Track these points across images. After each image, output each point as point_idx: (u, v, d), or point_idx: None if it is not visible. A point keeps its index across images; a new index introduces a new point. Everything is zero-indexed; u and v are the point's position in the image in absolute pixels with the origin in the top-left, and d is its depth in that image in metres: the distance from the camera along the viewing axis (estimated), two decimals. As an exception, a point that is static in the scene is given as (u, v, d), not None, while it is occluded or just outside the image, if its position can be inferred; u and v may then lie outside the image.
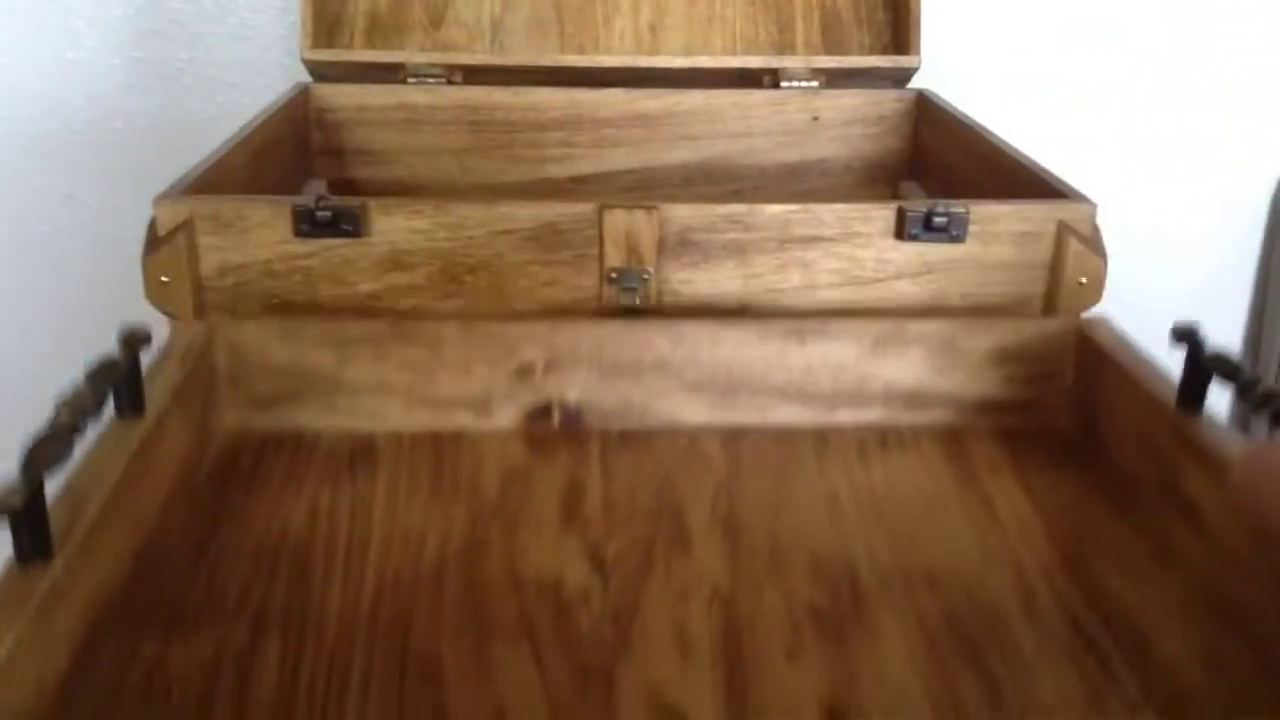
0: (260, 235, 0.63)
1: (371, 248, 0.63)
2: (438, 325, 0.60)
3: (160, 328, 0.64)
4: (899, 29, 0.98)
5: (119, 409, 0.50)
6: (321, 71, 0.95)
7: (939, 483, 0.58)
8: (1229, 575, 0.49)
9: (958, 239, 0.64)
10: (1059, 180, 0.69)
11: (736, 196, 0.98)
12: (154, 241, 0.62)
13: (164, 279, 0.62)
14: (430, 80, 0.94)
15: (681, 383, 0.62)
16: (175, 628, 0.48)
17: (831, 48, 0.99)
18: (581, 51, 0.97)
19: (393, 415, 0.61)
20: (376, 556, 0.52)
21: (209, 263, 0.63)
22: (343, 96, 0.94)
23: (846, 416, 0.63)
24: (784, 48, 0.98)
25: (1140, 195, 1.14)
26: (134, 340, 0.51)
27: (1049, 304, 0.65)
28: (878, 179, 0.98)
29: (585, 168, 0.96)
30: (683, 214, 0.64)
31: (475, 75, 0.95)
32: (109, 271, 1.11)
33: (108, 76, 1.09)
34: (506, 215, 0.63)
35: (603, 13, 0.99)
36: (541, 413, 0.62)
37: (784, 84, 0.96)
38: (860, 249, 0.65)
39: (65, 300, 1.14)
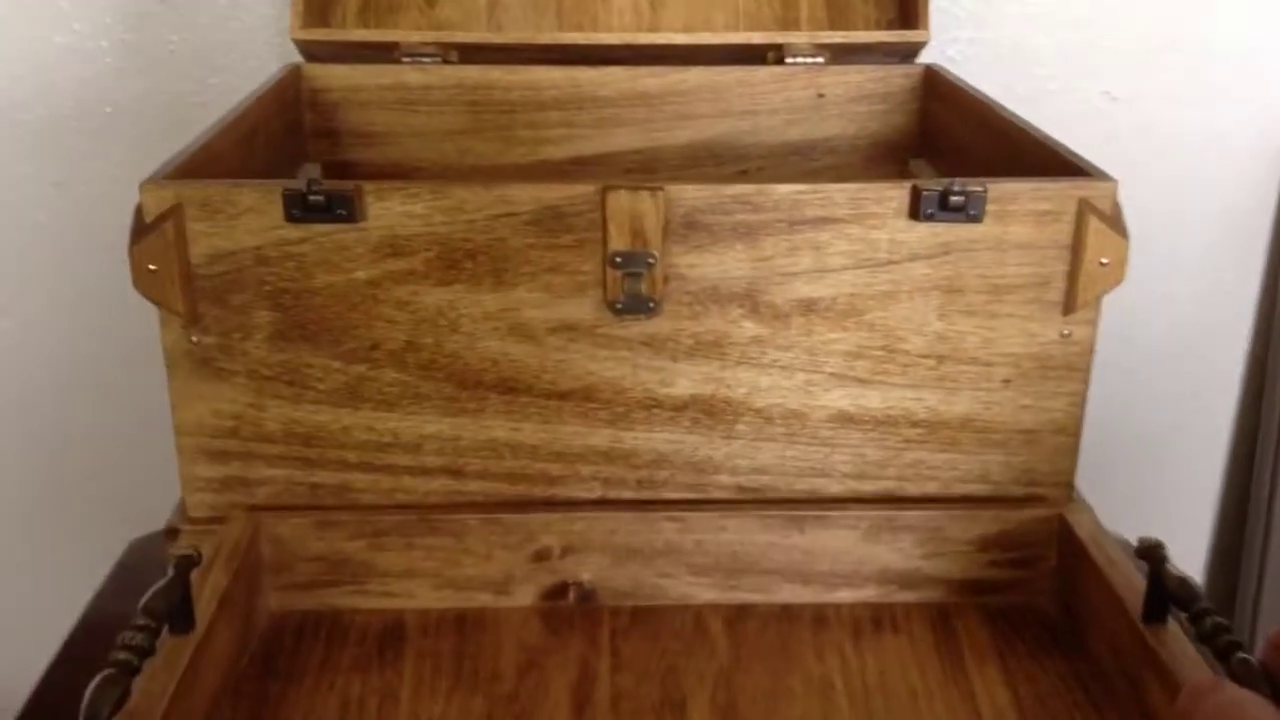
0: (251, 221, 0.60)
1: (367, 233, 0.61)
2: (462, 518, 0.65)
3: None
4: (906, 2, 0.96)
5: (171, 628, 0.54)
6: (313, 51, 0.92)
7: (926, 674, 0.62)
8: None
9: (975, 219, 0.62)
10: (1078, 157, 0.66)
11: (742, 176, 0.96)
12: (141, 228, 0.60)
13: (151, 267, 0.60)
14: (425, 60, 0.91)
15: (688, 565, 0.66)
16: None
17: (836, 23, 0.96)
18: (580, 29, 0.94)
19: (420, 595, 0.66)
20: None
21: (198, 250, 0.61)
22: (335, 77, 0.91)
23: (844, 595, 0.67)
24: (787, 23, 0.96)
25: (1151, 176, 1.11)
26: (186, 566, 0.55)
27: (1070, 286, 0.63)
28: (886, 157, 0.95)
29: (586, 148, 0.94)
30: (689, 195, 0.61)
31: (471, 54, 0.93)
32: (103, 259, 1.08)
33: (95, 60, 1.06)
34: (506, 198, 0.61)
35: (602, -12, 0.96)
36: (558, 591, 0.66)
37: (788, 60, 0.93)
38: (873, 230, 0.62)
39: (61, 288, 1.12)
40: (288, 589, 0.65)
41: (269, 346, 0.63)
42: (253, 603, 0.64)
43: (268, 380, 0.63)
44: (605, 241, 0.61)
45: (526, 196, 0.61)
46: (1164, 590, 0.55)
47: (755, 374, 0.65)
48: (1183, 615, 0.54)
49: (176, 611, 0.54)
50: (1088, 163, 0.65)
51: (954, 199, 0.61)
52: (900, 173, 0.95)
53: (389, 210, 0.61)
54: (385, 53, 0.92)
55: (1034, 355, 0.65)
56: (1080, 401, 0.66)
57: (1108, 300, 0.64)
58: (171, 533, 0.65)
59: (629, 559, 0.66)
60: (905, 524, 0.66)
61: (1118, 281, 0.63)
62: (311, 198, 0.59)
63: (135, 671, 0.49)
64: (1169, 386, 1.20)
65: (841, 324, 0.64)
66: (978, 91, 0.85)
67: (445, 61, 0.92)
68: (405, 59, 0.92)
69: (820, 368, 0.65)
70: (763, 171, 0.95)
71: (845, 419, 0.66)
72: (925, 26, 0.94)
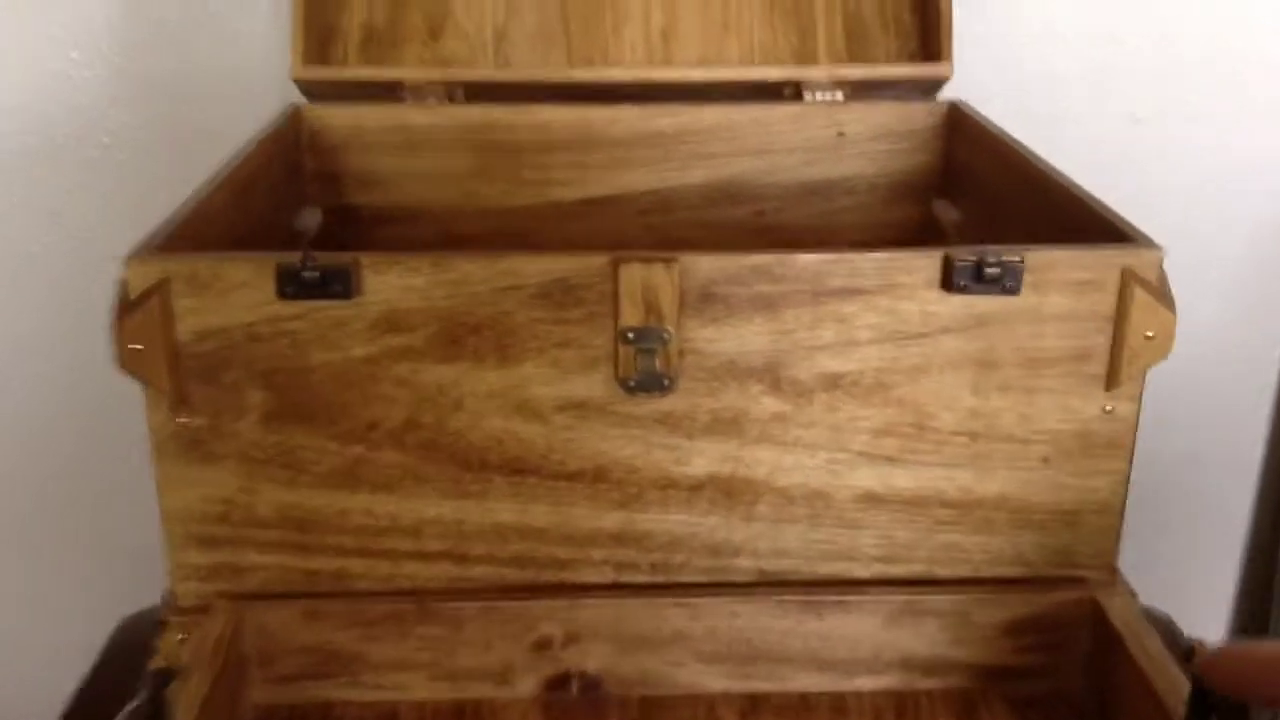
0: (242, 296, 0.57)
1: (364, 308, 0.57)
2: (458, 606, 0.61)
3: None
4: (928, 34, 0.92)
5: None
6: (314, 90, 0.89)
7: None
8: None
9: (1011, 291, 0.58)
10: (1118, 217, 0.62)
11: (759, 217, 0.92)
12: (125, 306, 0.56)
13: (136, 345, 0.57)
14: (429, 99, 0.88)
15: (699, 654, 0.63)
16: None
17: (856, 55, 0.92)
18: (590, 64, 0.90)
19: (415, 688, 0.63)
20: None
21: (186, 327, 0.57)
22: (337, 118, 0.87)
23: (864, 683, 0.64)
24: (805, 55, 0.92)
25: (1178, 204, 1.07)
26: (160, 683, 0.55)
27: (1113, 360, 0.59)
28: (907, 197, 0.91)
29: (597, 190, 0.90)
30: (706, 266, 0.58)
31: (478, 92, 0.89)
32: (98, 292, 1.05)
33: (91, 88, 1.03)
34: (511, 270, 0.57)
35: (611, 20, 0.92)
36: (560, 682, 0.63)
37: (806, 96, 0.89)
38: (902, 301, 0.58)
39: (56, 318, 1.09)
40: (275, 682, 0.62)
41: (261, 427, 0.59)
42: (237, 699, 0.61)
43: (260, 463, 0.60)
44: (617, 316, 0.58)
45: (533, 269, 0.57)
46: (1208, 702, 0.51)
47: (777, 453, 0.61)
48: None
49: (153, 729, 0.51)
50: (1130, 225, 0.61)
51: (989, 270, 0.57)
52: (922, 214, 0.91)
53: (387, 284, 0.57)
54: (388, 91, 0.89)
55: (1074, 432, 0.61)
56: (1124, 479, 0.62)
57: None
58: (160, 624, 0.61)
59: (636, 647, 0.63)
60: (928, 608, 0.63)
61: (1164, 355, 0.59)
62: (306, 274, 0.56)
63: None
64: (1197, 411, 1.16)
65: (868, 400, 0.60)
66: (1004, 132, 0.81)
67: (450, 99, 0.88)
68: (409, 97, 0.88)
69: (846, 446, 0.61)
70: (780, 212, 0.91)
71: (873, 499, 0.62)
72: (948, 59, 0.90)
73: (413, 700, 0.62)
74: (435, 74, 0.89)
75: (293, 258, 0.56)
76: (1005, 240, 0.76)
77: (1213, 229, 1.08)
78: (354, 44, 0.91)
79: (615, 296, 0.57)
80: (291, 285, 0.56)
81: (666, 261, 0.57)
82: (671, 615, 0.62)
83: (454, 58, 0.90)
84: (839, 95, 0.89)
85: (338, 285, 0.56)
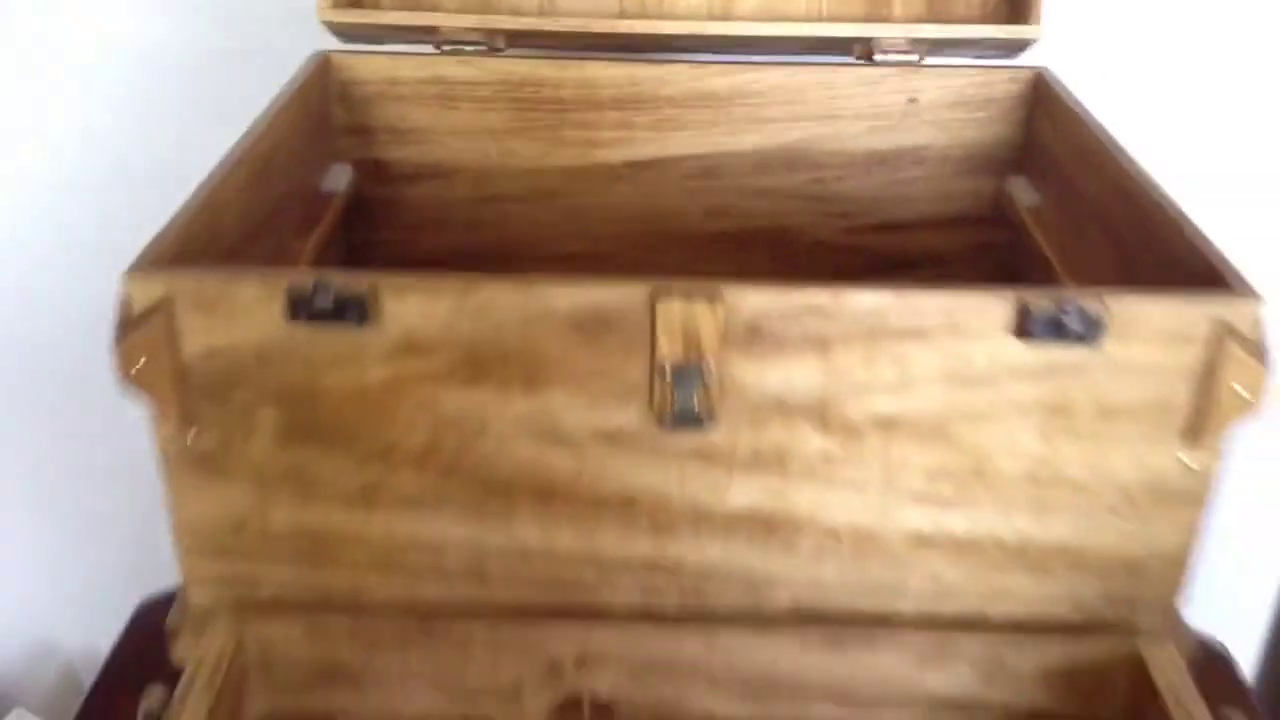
0: (250, 315, 0.53)
1: (382, 333, 0.53)
2: (466, 624, 0.59)
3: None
4: (1016, -13, 0.84)
5: None
6: (344, 33, 0.83)
7: None
8: None
9: (1091, 343, 0.52)
10: (1218, 254, 0.56)
11: (817, 185, 0.86)
12: (127, 322, 0.53)
13: (141, 361, 0.53)
14: (468, 49, 0.82)
15: (715, 683, 0.61)
16: None
17: (935, 11, 0.84)
18: (644, 15, 0.83)
19: (420, 701, 0.61)
20: None
21: (192, 346, 0.54)
22: (369, 68, 0.82)
23: (888, 718, 0.61)
24: (878, 11, 0.84)
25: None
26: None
27: (1198, 416, 0.54)
28: (981, 171, 0.84)
29: (643, 152, 0.84)
30: (752, 302, 0.53)
31: (520, 41, 0.83)
32: (133, 220, 1.02)
33: (121, 8, 0.98)
34: (542, 298, 0.53)
35: (669, -34, 0.85)
36: (571, 705, 0.61)
37: (877, 57, 0.82)
38: (968, 344, 0.53)
39: (90, 261, 1.06)
40: (277, 691, 0.61)
41: (275, 446, 0.56)
42: (239, 710, 0.59)
43: (274, 480, 0.57)
44: (654, 350, 0.53)
45: (565, 299, 0.53)
46: None
47: (821, 490, 0.57)
48: None
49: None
50: (1229, 267, 0.55)
51: (1068, 323, 0.51)
52: (995, 190, 0.84)
53: (407, 310, 0.53)
54: (424, 36, 0.83)
55: (1147, 483, 0.56)
56: (1194, 531, 0.58)
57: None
58: (172, 634, 0.59)
59: (650, 674, 0.60)
60: (960, 650, 0.60)
61: (1253, 413, 0.54)
62: (318, 302, 0.51)
63: None
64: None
65: (926, 443, 0.56)
66: (1090, 114, 0.74)
67: (491, 50, 0.82)
68: (446, 47, 0.82)
69: (896, 486, 0.57)
70: (841, 182, 0.85)
71: (922, 540, 0.58)
72: (1037, 20, 0.81)
73: (418, 714, 0.61)
74: (474, 20, 0.82)
75: (304, 281, 0.52)
76: (1082, 238, 0.71)
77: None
78: (389, -18, 0.85)
79: (653, 332, 0.53)
80: (303, 311, 0.52)
81: (709, 299, 0.52)
82: (689, 644, 0.60)
83: (495, 4, 0.83)
84: (913, 57, 0.82)
85: (352, 313, 0.52)
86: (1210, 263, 0.55)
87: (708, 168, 0.85)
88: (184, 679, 0.56)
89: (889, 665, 0.60)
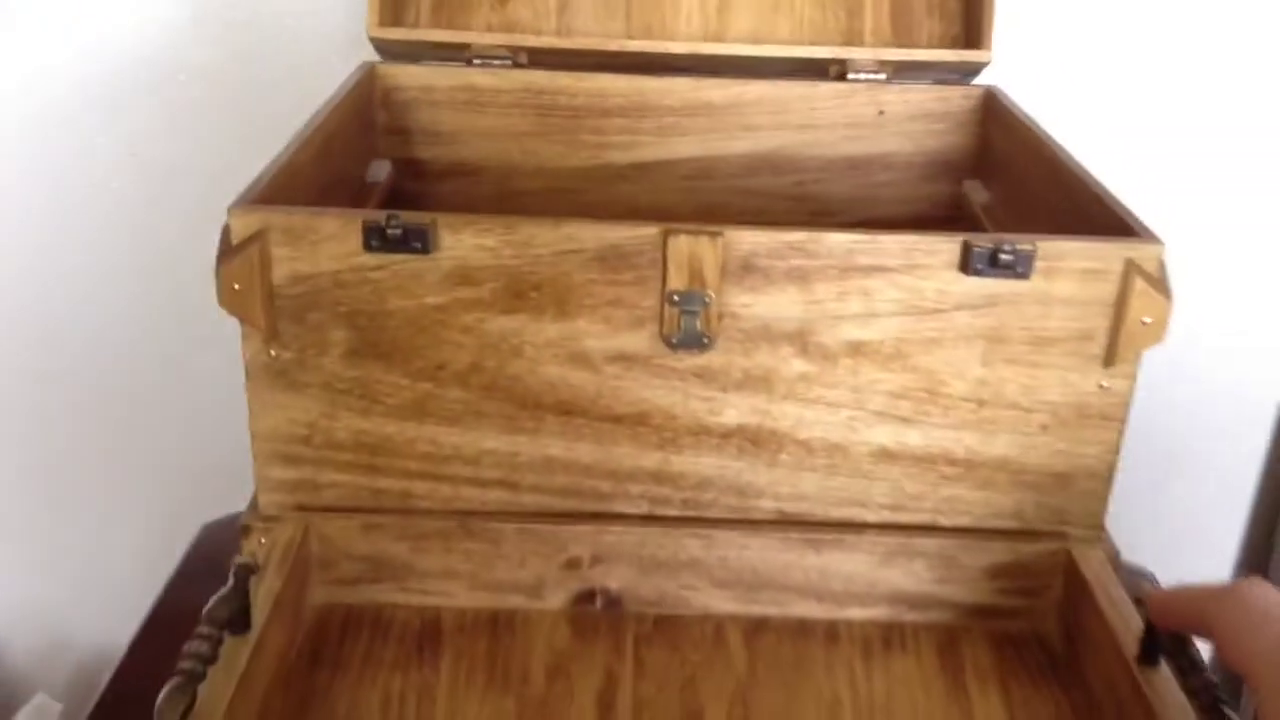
0: (330, 247, 0.64)
1: (439, 262, 0.64)
2: (499, 525, 0.69)
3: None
4: (971, 19, 0.97)
5: (230, 629, 0.59)
6: (387, 49, 0.95)
7: (930, 697, 0.66)
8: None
9: (1023, 276, 0.64)
10: (1128, 212, 0.68)
11: (799, 187, 0.98)
12: (227, 250, 0.63)
13: (236, 286, 0.64)
14: (495, 63, 0.94)
15: (711, 579, 0.70)
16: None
17: (901, 37, 0.97)
18: (649, 35, 0.96)
19: (457, 595, 0.70)
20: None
21: (280, 272, 0.64)
22: (408, 76, 0.94)
23: (855, 613, 0.71)
24: (852, 36, 0.97)
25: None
26: (245, 573, 0.60)
27: (1112, 342, 0.65)
28: (941, 175, 0.97)
29: (648, 155, 0.96)
30: (747, 240, 0.64)
31: (540, 57, 0.95)
32: (173, 228, 1.13)
33: (171, 29, 1.09)
34: (572, 235, 0.64)
35: (671, -8, 0.98)
36: (586, 597, 0.70)
37: (850, 75, 0.95)
38: (922, 280, 0.65)
39: (135, 251, 1.16)
40: (334, 584, 0.70)
41: (342, 362, 0.67)
42: (302, 598, 0.68)
43: (340, 393, 0.67)
44: (664, 280, 0.64)
45: (592, 235, 0.64)
46: (1156, 639, 0.59)
47: (801, 408, 0.68)
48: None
49: (236, 618, 0.59)
50: (1138, 220, 0.67)
51: (1004, 257, 0.63)
52: (954, 192, 0.96)
53: (461, 242, 0.64)
54: (457, 52, 0.95)
55: (1072, 404, 0.67)
56: (1114, 449, 0.69)
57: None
58: (245, 529, 0.69)
59: (655, 570, 0.70)
60: (918, 551, 0.70)
61: (1158, 340, 0.65)
62: (390, 231, 0.62)
63: (200, 678, 0.54)
64: (1202, 396, 1.21)
65: (887, 366, 0.67)
66: (1034, 122, 0.86)
67: (515, 64, 0.95)
68: (476, 61, 0.94)
69: (864, 405, 0.68)
70: (819, 184, 0.97)
71: (886, 455, 0.69)
72: (988, 47, 0.95)
73: (454, 607, 0.70)
74: (501, 39, 0.95)
75: (378, 215, 0.63)
76: (1026, 224, 0.83)
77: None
78: (426, 7, 0.97)
79: (664, 263, 0.64)
80: (376, 239, 0.63)
81: (712, 235, 0.63)
82: (689, 544, 0.70)
83: (519, 24, 0.96)
84: (881, 76, 0.95)
85: (417, 242, 0.63)
86: (1122, 218, 0.67)
87: (703, 169, 0.97)
88: (260, 563, 0.65)
89: (856, 564, 0.70)
